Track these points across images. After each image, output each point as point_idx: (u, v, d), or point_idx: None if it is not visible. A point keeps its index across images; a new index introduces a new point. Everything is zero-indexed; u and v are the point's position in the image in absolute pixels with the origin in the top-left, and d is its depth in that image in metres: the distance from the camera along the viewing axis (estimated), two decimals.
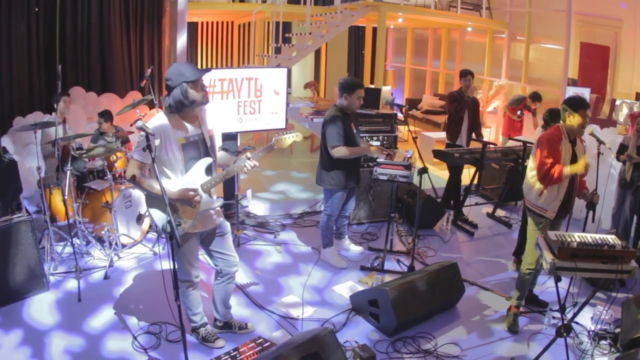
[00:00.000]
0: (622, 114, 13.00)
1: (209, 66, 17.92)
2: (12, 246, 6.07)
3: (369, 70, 14.78)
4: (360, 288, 6.70)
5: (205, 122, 4.91)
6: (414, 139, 7.35)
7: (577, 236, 4.81)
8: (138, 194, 7.75)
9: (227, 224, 5.28)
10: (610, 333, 5.74)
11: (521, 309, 6.22)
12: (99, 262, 7.18)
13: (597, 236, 4.84)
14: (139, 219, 7.86)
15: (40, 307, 6.05)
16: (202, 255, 5.63)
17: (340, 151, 6.83)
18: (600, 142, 6.34)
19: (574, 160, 5.79)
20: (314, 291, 6.80)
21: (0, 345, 5.34)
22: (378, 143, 8.95)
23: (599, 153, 6.32)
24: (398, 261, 7.69)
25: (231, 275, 5.37)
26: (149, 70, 8.15)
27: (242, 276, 6.97)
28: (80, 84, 13.27)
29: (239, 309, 6.18)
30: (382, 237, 8.06)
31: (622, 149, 7.89)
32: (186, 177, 4.72)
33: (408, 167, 7.02)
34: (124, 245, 7.59)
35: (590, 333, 5.83)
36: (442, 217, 9.21)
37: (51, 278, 6.61)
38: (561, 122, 5.83)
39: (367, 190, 8.99)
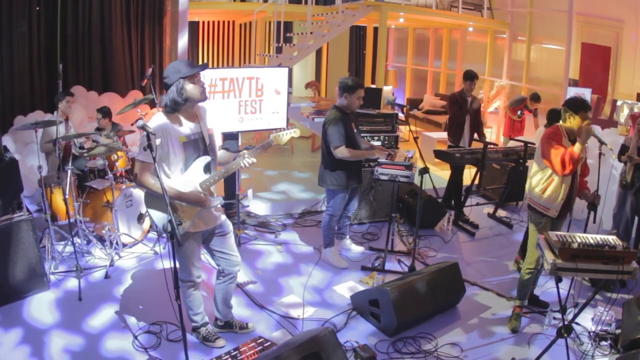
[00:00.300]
0: (623, 114, 12.99)
1: (210, 66, 17.89)
2: (13, 245, 6.07)
3: (370, 70, 14.81)
4: (361, 288, 6.70)
5: (204, 120, 4.91)
6: (415, 139, 7.38)
7: (578, 237, 4.81)
8: (139, 193, 7.75)
9: (229, 223, 5.28)
10: (611, 334, 5.74)
11: (523, 310, 6.24)
12: (100, 261, 7.17)
13: (598, 237, 4.84)
14: (140, 218, 7.86)
15: (41, 306, 6.05)
16: (203, 255, 5.62)
17: (342, 152, 6.83)
18: (601, 142, 6.34)
19: None
20: (314, 291, 6.80)
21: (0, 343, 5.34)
22: (379, 143, 8.95)
23: (600, 154, 6.31)
24: (399, 261, 7.69)
25: (233, 274, 5.37)
26: (150, 70, 8.14)
27: (243, 276, 6.97)
28: (82, 83, 13.26)
29: (239, 308, 6.18)
30: (383, 237, 8.06)
31: (624, 149, 7.88)
32: (185, 176, 4.72)
33: (409, 167, 7.02)
34: (124, 245, 7.59)
35: (591, 334, 5.82)
36: (443, 217, 9.21)
37: (52, 277, 6.61)
38: (561, 122, 5.83)
39: (368, 190, 8.98)
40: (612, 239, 4.80)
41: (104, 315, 5.94)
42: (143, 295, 6.43)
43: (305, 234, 8.59)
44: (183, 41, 11.18)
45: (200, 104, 4.83)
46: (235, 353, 5.13)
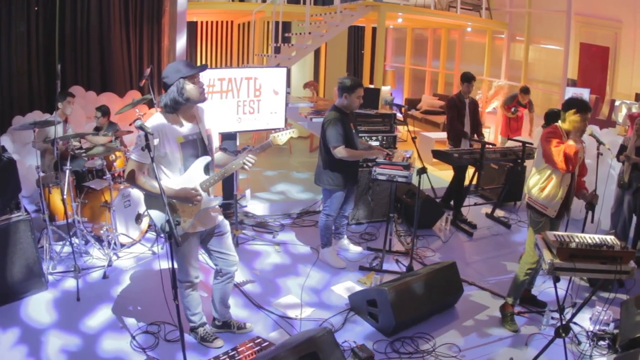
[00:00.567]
0: (622, 114, 13.02)
1: (208, 66, 17.89)
2: (11, 245, 6.06)
3: (369, 70, 14.76)
4: (359, 288, 6.70)
5: (202, 120, 4.91)
6: (413, 139, 7.35)
7: (576, 237, 4.82)
8: (137, 194, 7.75)
9: (227, 223, 5.28)
10: (609, 334, 5.74)
11: (518, 309, 6.24)
12: (98, 261, 7.17)
13: (596, 237, 4.85)
14: (138, 218, 7.86)
15: (38, 306, 6.04)
16: (201, 255, 5.62)
17: (340, 152, 6.83)
18: (599, 142, 6.36)
19: None
20: (312, 291, 6.80)
21: None
22: (377, 143, 8.95)
23: (598, 153, 6.33)
24: (397, 261, 7.69)
25: (231, 274, 5.37)
26: (149, 70, 8.14)
27: (240, 276, 6.97)
28: (80, 83, 13.28)
29: (237, 309, 6.18)
30: (381, 237, 8.05)
31: (623, 149, 7.90)
32: (185, 176, 4.71)
33: (407, 167, 7.03)
34: (122, 245, 7.59)
35: (589, 334, 5.82)
36: (441, 217, 9.21)
37: (50, 277, 6.60)
38: (560, 122, 5.83)
39: (366, 190, 8.99)
40: (610, 238, 4.80)
41: (102, 315, 5.94)
42: (141, 295, 6.42)
43: (303, 234, 8.59)
44: (181, 41, 11.19)
45: (198, 104, 4.83)
46: (233, 353, 5.14)
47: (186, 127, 4.74)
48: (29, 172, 9.03)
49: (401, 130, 13.37)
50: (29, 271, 6.19)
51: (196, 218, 4.82)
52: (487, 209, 10.07)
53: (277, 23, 13.34)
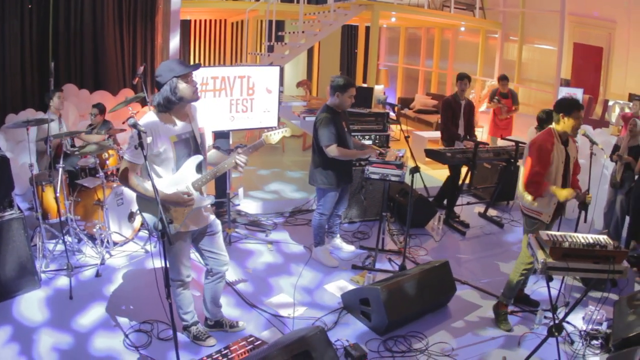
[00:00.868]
0: (615, 114, 13.05)
1: (201, 64, 17.84)
2: (4, 243, 6.04)
3: (362, 69, 14.80)
4: (352, 287, 6.69)
5: (195, 119, 4.90)
6: (406, 138, 7.36)
7: (569, 236, 4.83)
8: (130, 192, 7.69)
9: (219, 223, 5.28)
10: (601, 333, 5.75)
11: (511, 309, 6.24)
12: (91, 259, 7.16)
13: (589, 236, 4.86)
14: (131, 216, 7.85)
15: (31, 305, 6.03)
16: (193, 254, 5.61)
17: (333, 150, 6.83)
18: (593, 142, 6.37)
19: (567, 161, 5.81)
20: (305, 290, 6.80)
21: None
22: (370, 142, 8.96)
23: (591, 153, 6.34)
24: (390, 260, 7.70)
25: (221, 274, 5.37)
26: (142, 68, 8.12)
27: (233, 275, 6.97)
28: (73, 81, 13.24)
29: (230, 307, 6.19)
30: (374, 236, 8.06)
31: (616, 149, 7.94)
32: (177, 175, 4.71)
33: (400, 166, 7.03)
34: (115, 243, 7.58)
35: (582, 333, 5.84)
36: (433, 216, 9.22)
37: (42, 275, 6.59)
38: (553, 124, 5.83)
39: (359, 189, 8.99)
40: (603, 238, 4.81)
41: (95, 313, 5.92)
42: (134, 293, 6.41)
43: (296, 233, 8.59)
44: (175, 40, 11.17)
45: (191, 103, 4.82)
46: (226, 352, 5.13)
47: (179, 126, 4.73)
48: (22, 170, 9.01)
49: (394, 130, 13.42)
50: (22, 269, 6.17)
51: (188, 217, 4.81)
52: (480, 208, 10.09)
53: (270, 22, 13.35)
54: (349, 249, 7.98)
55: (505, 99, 12.23)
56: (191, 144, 4.80)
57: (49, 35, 12.85)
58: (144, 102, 12.27)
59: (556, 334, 4.95)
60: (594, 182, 7.27)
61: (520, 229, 8.52)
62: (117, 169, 7.98)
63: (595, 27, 14.49)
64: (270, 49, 13.76)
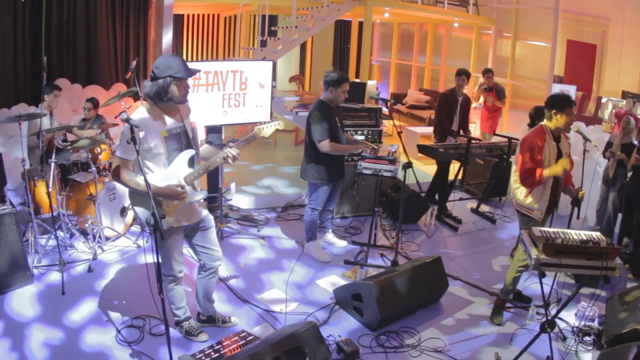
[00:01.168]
0: (608, 111, 13.08)
1: (194, 59, 17.92)
2: None
3: (355, 65, 14.81)
4: (344, 282, 6.70)
5: (187, 114, 4.89)
6: (399, 133, 7.37)
7: (562, 232, 4.83)
8: (122, 187, 7.67)
9: (211, 218, 5.27)
10: (594, 329, 5.76)
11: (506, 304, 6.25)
12: (83, 255, 7.14)
13: (582, 233, 4.86)
14: (123, 211, 7.83)
15: (23, 300, 6.00)
16: (186, 249, 5.60)
17: (325, 145, 6.82)
18: (586, 139, 6.38)
19: (559, 157, 5.81)
20: (297, 285, 6.80)
21: None
22: (363, 137, 8.97)
23: (584, 150, 6.35)
24: (382, 255, 7.70)
25: (214, 269, 5.36)
26: (134, 62, 8.12)
27: (225, 270, 6.96)
28: (66, 76, 13.23)
29: (222, 303, 6.18)
30: (366, 231, 8.07)
31: (609, 146, 7.95)
32: (169, 170, 4.69)
33: (392, 161, 7.03)
34: (107, 238, 7.56)
35: (574, 329, 5.85)
36: (426, 211, 9.22)
37: (35, 271, 6.56)
38: (545, 121, 5.83)
39: (351, 184, 8.98)
40: (596, 235, 4.81)
41: (87, 309, 5.91)
42: (126, 289, 6.40)
43: (288, 228, 8.58)
44: (168, 34, 11.13)
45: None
46: (218, 347, 5.13)
47: (170, 121, 4.71)
48: (14, 165, 8.98)
49: (387, 125, 13.42)
50: (14, 265, 6.15)
51: (180, 212, 4.80)
52: (473, 203, 10.09)
53: (263, 16, 13.30)
54: (341, 244, 7.98)
55: (489, 92, 12.18)
56: (182, 138, 4.78)
57: (42, 30, 12.83)
58: (136, 97, 12.26)
59: (549, 330, 4.95)
60: (587, 178, 7.27)
61: (513, 224, 8.57)
62: (110, 164, 8.00)
63: (589, 25, 14.52)
64: (263, 43, 13.74)
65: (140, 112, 4.63)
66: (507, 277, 6.11)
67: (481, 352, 5.53)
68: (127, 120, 4.10)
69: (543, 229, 4.98)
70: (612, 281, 6.85)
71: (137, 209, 4.71)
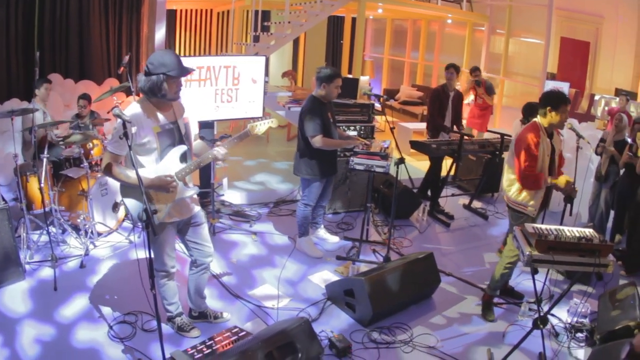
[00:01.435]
0: (601, 109, 13.12)
1: (187, 54, 17.89)
2: None
3: (347, 60, 14.79)
4: (336, 278, 6.70)
5: (180, 109, 4.88)
6: (392, 129, 7.37)
7: (554, 229, 4.83)
8: (114, 182, 7.67)
9: (203, 214, 5.27)
10: (586, 326, 5.77)
11: (495, 301, 6.25)
12: (75, 250, 7.12)
13: (575, 229, 4.87)
14: (115, 207, 7.81)
15: (15, 296, 5.98)
16: (178, 245, 5.60)
17: (318, 141, 6.83)
18: (579, 136, 6.40)
19: (553, 153, 5.81)
20: (289, 281, 6.80)
21: None
22: (355, 133, 8.95)
23: (578, 147, 6.35)
24: (374, 251, 7.71)
25: (205, 265, 5.36)
26: (127, 58, 8.08)
27: (217, 266, 6.96)
28: (58, 71, 13.18)
29: (214, 299, 6.17)
30: (358, 227, 8.08)
31: (602, 143, 7.97)
32: (161, 165, 4.68)
33: (385, 157, 7.03)
34: (99, 234, 7.54)
35: (567, 326, 5.86)
36: (418, 207, 9.23)
37: (27, 267, 6.54)
38: (539, 117, 5.82)
39: (343, 180, 8.98)
40: (589, 232, 4.82)
41: (79, 305, 5.89)
42: (118, 284, 6.39)
43: (280, 224, 8.58)
44: (161, 29, 11.10)
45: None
46: (210, 343, 5.13)
47: (162, 117, 4.70)
48: (6, 161, 8.95)
49: (379, 121, 13.42)
50: (6, 260, 6.12)
51: (172, 207, 4.80)
52: (465, 200, 10.12)
53: (256, 12, 13.27)
54: (333, 240, 7.99)
55: (478, 86, 12.16)
56: (175, 134, 4.78)
57: (35, 25, 12.79)
58: (128, 92, 12.22)
59: (541, 326, 4.96)
60: (580, 175, 7.28)
61: (505, 220, 8.58)
62: (102, 159, 7.97)
63: (582, 22, 14.55)
64: (256, 39, 13.73)
65: (133, 107, 4.61)
66: (495, 273, 6.12)
67: (473, 348, 5.54)
68: (119, 116, 4.09)
69: (536, 225, 4.98)
70: (605, 278, 6.86)
71: (127, 202, 4.70)
